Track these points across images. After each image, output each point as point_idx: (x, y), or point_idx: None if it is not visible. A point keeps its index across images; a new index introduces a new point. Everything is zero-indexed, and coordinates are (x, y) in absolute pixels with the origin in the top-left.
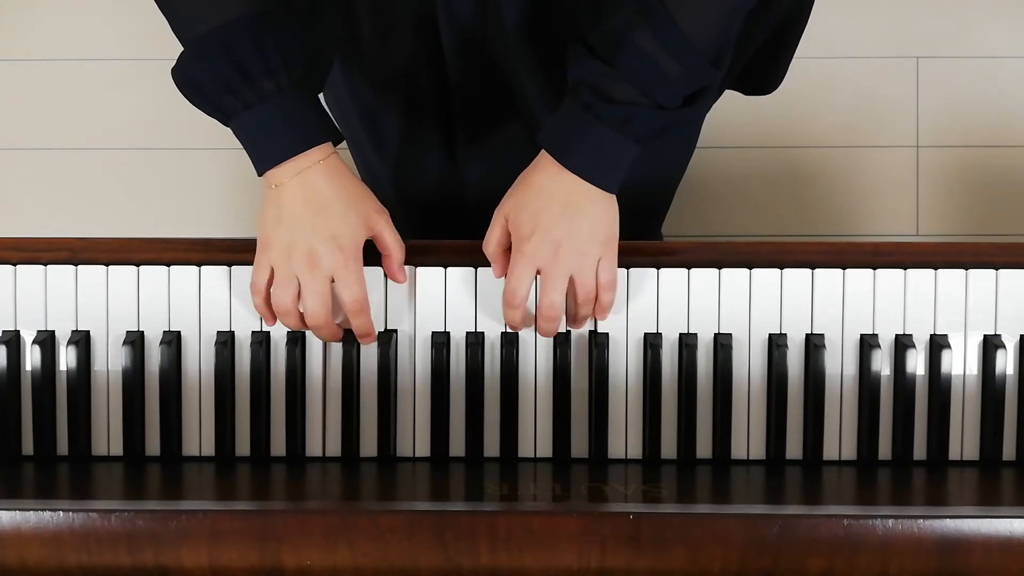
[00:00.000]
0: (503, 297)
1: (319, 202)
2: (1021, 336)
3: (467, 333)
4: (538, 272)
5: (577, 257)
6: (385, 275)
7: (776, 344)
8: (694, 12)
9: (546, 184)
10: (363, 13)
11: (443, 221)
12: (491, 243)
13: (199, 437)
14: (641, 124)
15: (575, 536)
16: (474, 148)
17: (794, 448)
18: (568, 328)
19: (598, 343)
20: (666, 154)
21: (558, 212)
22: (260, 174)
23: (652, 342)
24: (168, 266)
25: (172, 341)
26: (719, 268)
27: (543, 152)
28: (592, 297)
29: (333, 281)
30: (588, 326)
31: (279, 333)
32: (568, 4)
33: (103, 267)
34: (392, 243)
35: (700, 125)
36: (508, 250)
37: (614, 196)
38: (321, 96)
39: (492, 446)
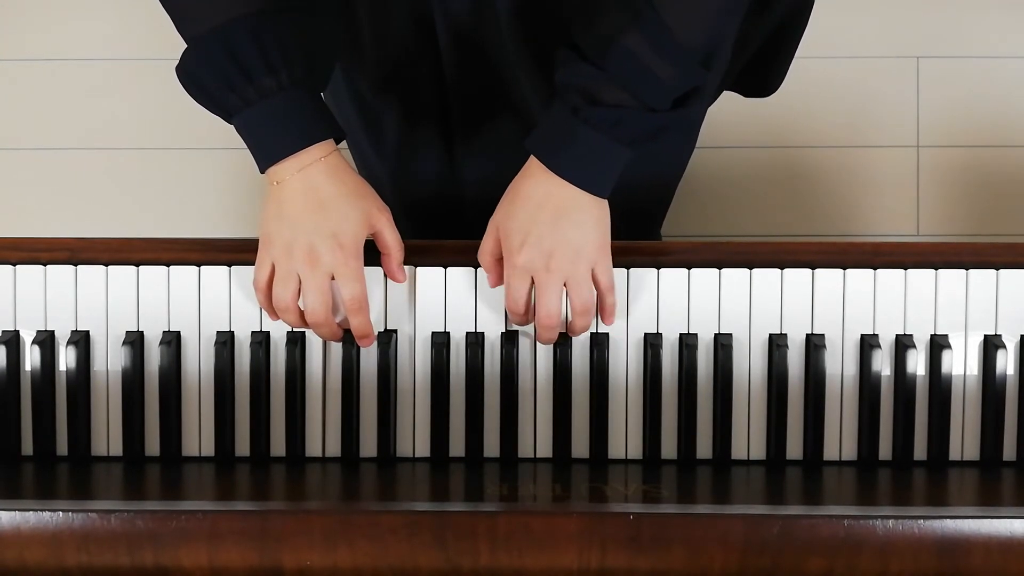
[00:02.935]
0: (506, 307)
1: (320, 199)
2: (1021, 336)
3: (467, 333)
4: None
5: (569, 266)
6: (385, 275)
7: (776, 344)
8: (683, 13)
9: (535, 192)
10: (361, 13)
11: (442, 221)
12: (485, 253)
13: (199, 437)
14: (630, 127)
15: (575, 536)
16: (472, 147)
17: (794, 448)
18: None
19: (598, 343)
20: (665, 155)
21: (547, 222)
22: (262, 171)
23: (652, 342)
24: (168, 266)
25: (172, 341)
26: (719, 268)
27: (532, 158)
28: (589, 307)
29: (333, 279)
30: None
31: (279, 333)
32: (564, 2)
33: (103, 267)
34: (392, 242)
35: (699, 126)
36: (501, 260)
37: (605, 202)
38: (322, 96)
39: (492, 446)
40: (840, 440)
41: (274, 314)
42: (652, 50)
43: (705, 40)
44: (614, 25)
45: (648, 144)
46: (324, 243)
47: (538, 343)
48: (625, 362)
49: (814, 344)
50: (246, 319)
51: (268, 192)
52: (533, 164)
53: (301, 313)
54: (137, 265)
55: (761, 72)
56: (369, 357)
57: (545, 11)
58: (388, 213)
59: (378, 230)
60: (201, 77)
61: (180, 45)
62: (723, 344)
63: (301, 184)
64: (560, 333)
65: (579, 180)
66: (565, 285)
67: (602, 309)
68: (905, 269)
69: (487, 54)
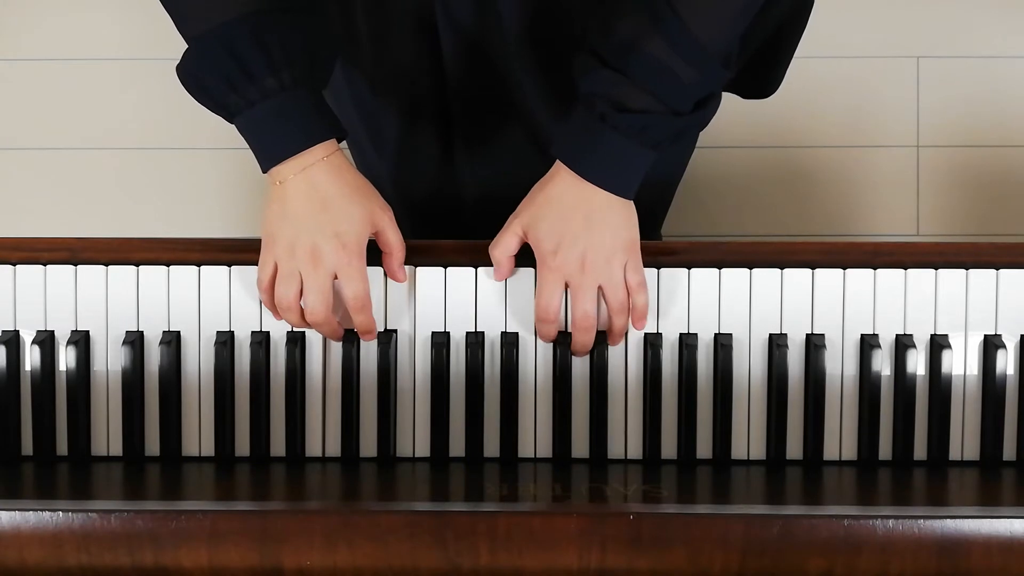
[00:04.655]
0: (536, 313)
1: (322, 198)
2: (1021, 336)
3: (467, 333)
4: (566, 286)
5: (604, 266)
6: (385, 275)
7: (776, 344)
8: (705, 15)
9: (565, 197)
10: (361, 13)
11: (442, 221)
12: (507, 249)
13: (199, 437)
14: (657, 131)
15: (575, 536)
16: (472, 149)
17: (794, 448)
18: (608, 344)
19: (598, 343)
20: (665, 156)
21: (580, 225)
22: (264, 171)
23: (652, 342)
24: (168, 266)
25: (172, 341)
26: (719, 268)
27: (558, 163)
28: (625, 304)
29: (336, 278)
30: None
31: (279, 333)
32: (567, 5)
33: (102, 267)
34: (394, 241)
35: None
36: (514, 257)
37: (632, 202)
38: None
39: (492, 446)
40: (840, 440)
41: (277, 314)
42: (676, 53)
43: (725, 41)
44: (634, 30)
45: (671, 146)
46: (327, 243)
47: (538, 337)
48: (625, 362)
49: (814, 344)
50: (246, 319)
51: (271, 192)
52: (560, 169)
53: (303, 312)
54: (137, 265)
55: (760, 73)
56: (369, 357)
57: (550, 17)
58: (390, 212)
59: (380, 229)
60: (202, 77)
61: (182, 45)
62: (723, 344)
63: (304, 184)
64: (560, 332)
65: (607, 184)
66: (600, 288)
67: (634, 310)
68: (905, 269)
69: (490, 58)
